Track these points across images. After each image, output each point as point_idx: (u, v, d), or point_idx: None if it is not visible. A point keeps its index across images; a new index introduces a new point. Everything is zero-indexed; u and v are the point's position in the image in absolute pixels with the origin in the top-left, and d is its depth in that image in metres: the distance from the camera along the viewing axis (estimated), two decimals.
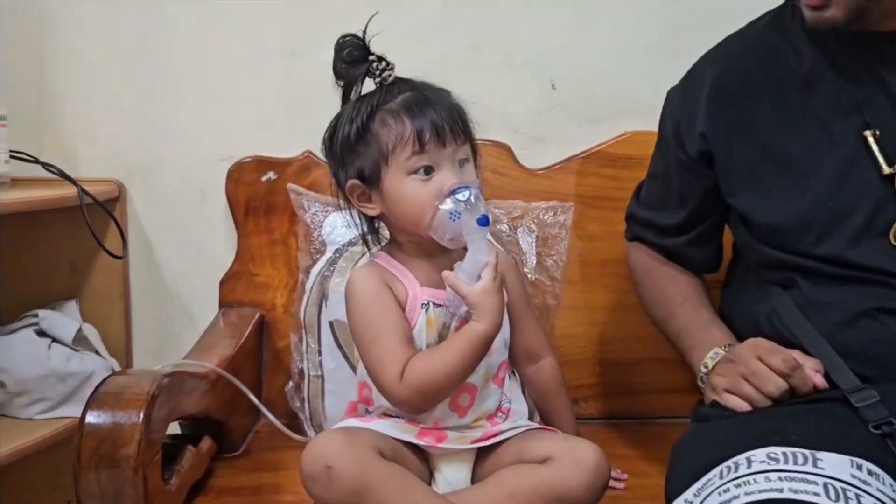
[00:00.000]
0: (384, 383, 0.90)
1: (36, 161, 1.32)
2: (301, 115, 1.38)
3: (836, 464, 0.73)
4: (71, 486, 1.40)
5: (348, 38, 0.94)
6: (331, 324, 1.23)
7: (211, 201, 1.40)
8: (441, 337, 0.94)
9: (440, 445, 0.93)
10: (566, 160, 1.36)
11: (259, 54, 1.38)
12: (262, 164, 1.36)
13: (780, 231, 0.92)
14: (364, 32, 0.94)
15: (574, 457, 0.88)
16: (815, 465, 0.73)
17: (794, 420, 0.82)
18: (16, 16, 1.36)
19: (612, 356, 1.34)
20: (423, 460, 0.95)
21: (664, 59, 1.34)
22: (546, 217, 1.30)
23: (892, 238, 0.84)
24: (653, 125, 1.33)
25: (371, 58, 0.93)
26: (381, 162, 0.91)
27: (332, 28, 1.35)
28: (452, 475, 0.94)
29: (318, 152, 1.35)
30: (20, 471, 1.36)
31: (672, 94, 1.09)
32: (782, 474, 0.73)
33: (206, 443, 1.09)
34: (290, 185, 1.33)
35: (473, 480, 0.94)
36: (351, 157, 0.93)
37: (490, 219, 0.90)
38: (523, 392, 1.10)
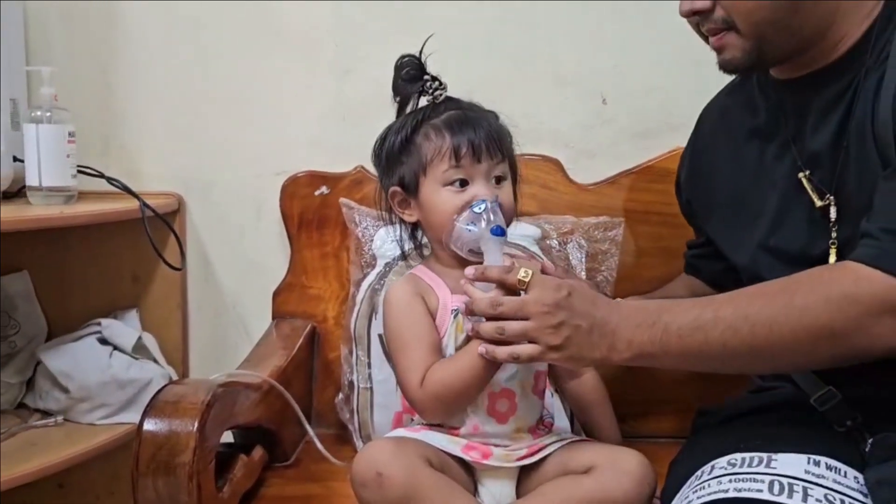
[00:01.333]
0: (408, 391, 0.94)
1: (101, 176, 1.38)
2: (353, 131, 1.41)
3: (790, 462, 0.78)
4: (128, 491, 1.47)
5: (407, 59, 0.99)
6: (380, 336, 1.24)
7: (266, 215, 1.43)
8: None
9: (485, 462, 0.93)
10: (616, 175, 1.36)
11: (313, 72, 1.42)
12: (316, 178, 1.39)
13: (740, 267, 1.00)
14: (421, 53, 0.99)
15: (617, 465, 0.89)
16: (768, 465, 0.79)
17: (763, 427, 0.87)
18: (84, 37, 1.43)
19: (664, 373, 1.32)
20: (468, 473, 0.96)
21: (715, 74, 1.31)
22: (596, 233, 1.29)
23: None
24: None
25: (426, 77, 0.99)
26: (419, 171, 0.96)
27: (384, 47, 1.38)
28: (497, 490, 0.94)
29: (370, 167, 1.40)
30: (81, 474, 1.41)
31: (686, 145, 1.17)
32: (734, 476, 0.78)
33: (258, 452, 1.11)
34: (342, 200, 1.35)
35: (518, 495, 0.95)
36: (394, 165, 0.99)
37: (505, 230, 0.92)
38: (564, 409, 1.10)
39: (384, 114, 1.40)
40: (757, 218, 0.96)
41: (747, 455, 0.81)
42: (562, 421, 1.04)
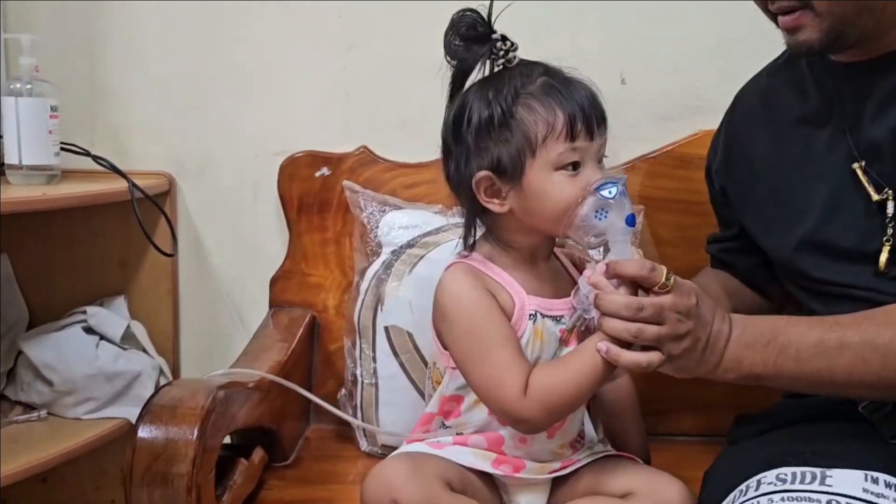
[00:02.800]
0: (504, 400, 0.82)
1: (87, 154, 1.29)
2: (357, 109, 1.33)
3: (847, 480, 0.74)
4: (116, 486, 1.41)
5: (469, 13, 0.83)
6: (387, 329, 1.18)
7: (263, 197, 1.36)
8: (546, 350, 0.86)
9: (518, 475, 0.87)
10: (636, 160, 1.29)
11: (315, 45, 1.33)
12: (317, 159, 1.31)
13: (779, 262, 0.95)
14: (490, 9, 0.84)
15: (657, 496, 0.83)
16: (822, 482, 0.74)
17: (811, 439, 0.82)
18: (68, 5, 1.33)
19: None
20: (495, 488, 0.90)
21: (739, 55, 1.26)
22: None
23: (881, 266, 0.84)
24: None
25: (495, 36, 0.84)
26: (526, 153, 0.82)
27: (391, 19, 1.32)
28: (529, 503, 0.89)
29: (374, 147, 1.33)
30: (66, 470, 1.34)
31: (717, 129, 1.10)
32: (786, 494, 0.73)
33: (258, 454, 1.05)
34: (345, 183, 1.28)
35: None
36: (486, 144, 0.83)
37: (637, 219, 0.82)
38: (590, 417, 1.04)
39: (390, 91, 1.34)
40: (802, 211, 0.90)
41: (798, 470, 0.76)
42: (590, 428, 0.97)
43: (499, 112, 0.82)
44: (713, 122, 1.27)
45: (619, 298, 0.78)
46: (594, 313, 0.82)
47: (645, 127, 1.30)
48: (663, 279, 0.77)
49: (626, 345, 0.78)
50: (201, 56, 1.34)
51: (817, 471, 0.75)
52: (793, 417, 0.90)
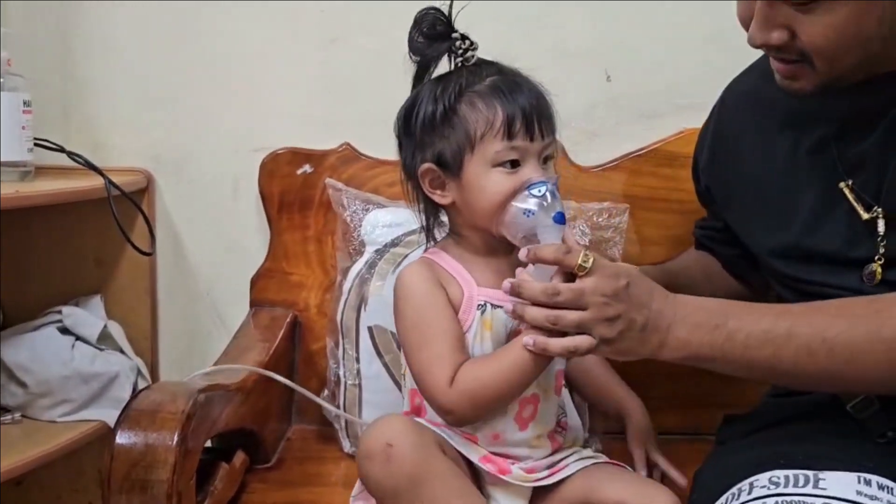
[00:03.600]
0: (432, 389, 0.84)
1: (61, 150, 1.26)
2: (340, 105, 1.31)
3: (840, 482, 0.73)
4: (93, 489, 1.38)
5: (431, 12, 0.86)
6: (370, 329, 1.16)
7: (243, 195, 1.33)
8: (497, 340, 0.87)
9: (503, 478, 0.86)
10: (620, 158, 1.28)
11: (297, 39, 1.31)
12: (298, 156, 1.29)
13: (762, 262, 0.94)
14: (450, 8, 0.86)
15: None
16: (816, 485, 0.73)
17: (802, 441, 0.81)
18: None
19: (663, 367, 1.26)
20: (476, 482, 0.88)
21: (726, 53, 1.25)
22: (599, 219, 1.22)
23: (864, 278, 0.83)
24: None
25: (454, 35, 0.86)
26: (465, 148, 0.85)
27: (374, 13, 1.30)
28: None
29: (357, 144, 1.31)
30: (42, 473, 1.31)
31: (703, 126, 1.08)
32: (780, 498, 0.72)
33: (240, 458, 1.03)
34: (328, 181, 1.26)
35: None
36: (431, 138, 0.86)
37: (566, 216, 0.82)
38: (575, 405, 1.04)
39: (373, 86, 1.31)
40: (787, 214, 0.89)
41: (790, 473, 0.75)
42: (574, 419, 0.97)
43: (442, 108, 0.85)
44: (698, 121, 1.26)
45: (535, 285, 0.78)
46: None
47: (630, 125, 1.30)
48: (579, 261, 0.77)
49: (561, 333, 0.79)
50: (180, 49, 1.31)
51: (810, 473, 0.74)
52: (781, 417, 0.89)
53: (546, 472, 0.87)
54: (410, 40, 0.87)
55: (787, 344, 0.75)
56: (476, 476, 0.88)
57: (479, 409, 0.84)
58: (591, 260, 0.77)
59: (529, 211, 0.82)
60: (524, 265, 0.82)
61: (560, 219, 0.81)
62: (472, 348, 0.86)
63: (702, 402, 1.21)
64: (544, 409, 0.89)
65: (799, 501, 0.71)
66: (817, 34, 0.74)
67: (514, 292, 0.79)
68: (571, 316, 0.77)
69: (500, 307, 0.87)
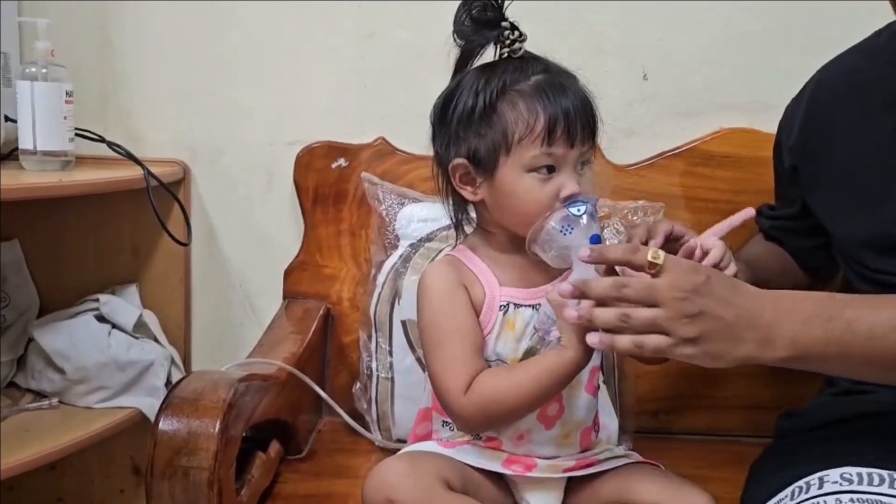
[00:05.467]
0: (446, 393, 0.82)
1: (102, 140, 1.27)
2: (376, 99, 1.31)
3: None
4: (125, 475, 1.40)
5: None
6: (403, 323, 1.16)
7: (278, 187, 1.34)
8: (518, 341, 0.85)
9: (529, 475, 0.85)
10: (656, 156, 1.28)
11: (333, 33, 1.31)
12: (333, 149, 1.29)
13: (845, 250, 0.89)
14: None
15: None
16: (892, 485, 0.70)
17: (871, 438, 0.78)
18: None
19: (696, 369, 1.25)
20: (505, 487, 0.89)
21: (764, 52, 1.26)
22: (634, 218, 1.21)
23: None
24: (750, 122, 1.26)
25: (504, 24, 0.83)
26: (501, 149, 0.82)
27: (411, 8, 1.30)
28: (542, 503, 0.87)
29: (392, 139, 1.31)
30: (75, 458, 1.32)
31: (789, 105, 1.04)
32: (855, 496, 0.70)
33: (275, 447, 1.04)
34: (364, 175, 1.26)
35: None
36: (466, 133, 0.83)
37: (602, 238, 0.80)
38: (614, 406, 1.03)
39: (409, 81, 1.31)
40: (882, 200, 0.84)
41: (864, 471, 0.72)
42: (610, 420, 0.96)
43: (483, 104, 0.82)
44: (735, 120, 1.27)
45: (603, 280, 0.74)
46: (554, 335, 0.81)
47: (666, 123, 1.29)
48: (649, 257, 0.71)
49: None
50: (217, 42, 1.32)
51: (885, 473, 0.71)
52: (844, 415, 0.86)
53: (574, 462, 0.87)
54: (457, 22, 0.83)
55: None
56: (505, 482, 0.88)
57: (491, 422, 0.83)
58: (661, 256, 0.72)
59: (567, 229, 0.79)
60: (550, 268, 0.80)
61: (597, 241, 0.78)
62: (494, 348, 0.85)
63: (759, 404, 1.20)
64: (572, 407, 0.88)
65: (875, 500, 0.69)
66: None
67: (578, 293, 0.74)
68: (645, 312, 0.70)
69: (523, 306, 0.86)
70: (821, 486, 0.73)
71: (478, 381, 0.81)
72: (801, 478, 0.75)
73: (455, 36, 0.84)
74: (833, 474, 0.73)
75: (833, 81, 0.95)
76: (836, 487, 0.72)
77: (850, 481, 0.72)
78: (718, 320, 0.71)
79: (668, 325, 0.71)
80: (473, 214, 0.92)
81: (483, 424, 0.84)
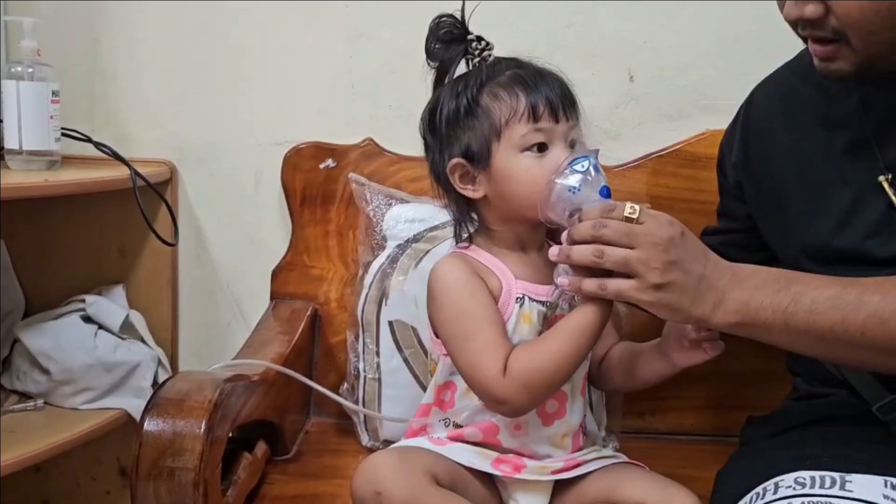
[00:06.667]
0: (484, 380, 0.82)
1: (88, 140, 1.27)
2: (363, 100, 1.32)
3: (866, 485, 0.72)
4: (111, 477, 1.40)
5: (444, 18, 0.88)
6: (390, 324, 1.17)
7: (265, 188, 1.34)
8: (534, 335, 0.86)
9: (517, 476, 0.86)
10: (642, 158, 1.28)
11: (321, 34, 1.31)
12: (321, 150, 1.29)
13: (787, 264, 0.90)
14: (462, 13, 0.88)
15: None
16: (843, 487, 0.72)
17: (828, 443, 0.80)
18: None
19: (681, 373, 1.26)
20: (493, 487, 0.89)
21: (750, 55, 1.27)
22: None
23: None
24: None
25: (469, 37, 0.88)
26: (492, 137, 0.85)
27: (399, 9, 1.30)
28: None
29: (380, 140, 1.31)
30: (61, 460, 1.32)
31: (730, 123, 1.07)
32: (806, 499, 0.72)
33: (261, 448, 1.04)
34: (351, 175, 1.26)
35: None
36: (456, 133, 0.87)
37: (611, 190, 0.81)
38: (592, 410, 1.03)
39: (397, 82, 1.32)
40: (819, 214, 0.88)
41: (817, 474, 0.74)
42: (591, 423, 0.96)
43: (465, 102, 0.86)
44: (721, 122, 1.26)
45: (585, 223, 0.76)
46: (567, 297, 0.83)
47: (652, 125, 1.30)
48: (626, 213, 0.75)
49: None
50: (205, 43, 1.32)
51: (836, 475, 0.73)
52: (805, 419, 0.89)
53: (562, 464, 0.87)
54: (427, 48, 0.88)
55: (857, 311, 0.71)
56: (493, 482, 0.88)
57: (535, 396, 0.82)
58: (637, 210, 0.75)
59: (574, 188, 0.80)
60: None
61: (606, 193, 0.79)
62: (511, 340, 0.85)
63: (724, 405, 1.21)
64: (572, 410, 0.89)
65: (825, 502, 0.71)
66: (852, 6, 0.73)
67: (569, 242, 0.77)
68: (619, 252, 0.73)
69: (538, 301, 0.87)
70: (776, 492, 0.74)
71: (512, 358, 0.81)
72: (759, 484, 0.77)
73: (428, 60, 0.89)
74: (788, 479, 0.75)
75: (767, 100, 0.98)
76: (790, 492, 0.73)
77: (804, 485, 0.73)
78: (687, 275, 0.73)
79: (639, 266, 0.73)
80: (475, 216, 0.93)
81: (527, 402, 0.83)
